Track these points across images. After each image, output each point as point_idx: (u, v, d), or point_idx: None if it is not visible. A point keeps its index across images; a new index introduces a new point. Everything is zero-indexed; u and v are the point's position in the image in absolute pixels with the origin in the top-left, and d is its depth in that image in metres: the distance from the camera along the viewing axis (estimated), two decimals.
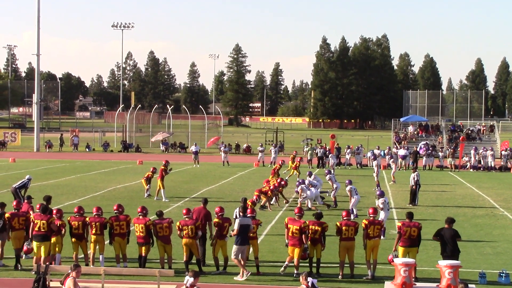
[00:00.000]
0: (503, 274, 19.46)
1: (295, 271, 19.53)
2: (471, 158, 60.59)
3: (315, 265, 20.12)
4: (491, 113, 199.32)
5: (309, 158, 59.76)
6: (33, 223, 20.16)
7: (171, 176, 48.07)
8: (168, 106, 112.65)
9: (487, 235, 26.91)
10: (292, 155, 52.45)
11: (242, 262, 19.62)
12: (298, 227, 19.71)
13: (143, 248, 20.39)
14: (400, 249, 19.54)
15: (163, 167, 36.90)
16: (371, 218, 20.12)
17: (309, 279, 14.27)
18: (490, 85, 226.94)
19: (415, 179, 35.41)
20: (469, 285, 16.34)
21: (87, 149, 79.63)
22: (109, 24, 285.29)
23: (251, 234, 20.22)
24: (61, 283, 15.03)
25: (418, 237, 19.66)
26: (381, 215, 25.40)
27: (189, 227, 20.05)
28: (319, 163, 59.40)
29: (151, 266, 20.16)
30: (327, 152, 59.64)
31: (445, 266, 16.91)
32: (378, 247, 19.97)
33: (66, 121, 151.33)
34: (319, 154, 60.08)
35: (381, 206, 26.17)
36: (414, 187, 35.34)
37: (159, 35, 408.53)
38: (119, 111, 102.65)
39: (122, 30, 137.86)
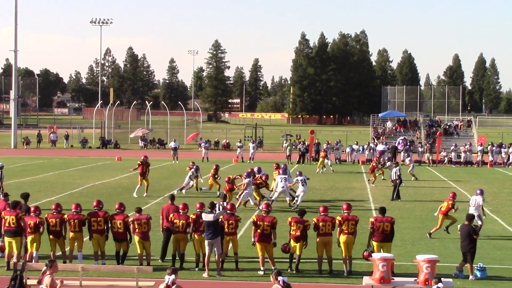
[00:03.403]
0: (479, 268, 19.58)
1: (273, 267, 19.57)
2: (449, 153, 60.93)
3: (295, 261, 20.14)
4: (468, 108, 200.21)
5: (288, 154, 59.81)
6: (3, 219, 20.17)
7: (150, 173, 47.87)
8: (147, 102, 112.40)
9: None
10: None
11: (206, 259, 19.70)
12: (269, 223, 19.75)
13: (122, 244, 20.35)
14: (374, 244, 19.66)
15: (140, 163, 36.72)
16: (346, 214, 20.17)
17: (280, 277, 14.33)
18: (467, 80, 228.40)
19: (397, 173, 35.57)
20: (446, 280, 16.45)
21: (64, 140, 79.21)
22: (87, 20, 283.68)
23: (229, 230, 20.21)
24: (39, 282, 14.94)
25: (391, 232, 19.79)
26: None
27: (180, 221, 20.29)
28: (300, 159, 59.42)
29: (130, 263, 20.13)
30: (307, 148, 59.85)
31: (422, 261, 16.99)
32: (353, 243, 20.02)
33: (44, 118, 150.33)
34: (301, 150, 60.07)
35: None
36: (397, 181, 35.50)
37: (138, 31, 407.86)
38: (98, 107, 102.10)
39: (101, 26, 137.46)
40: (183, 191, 36.52)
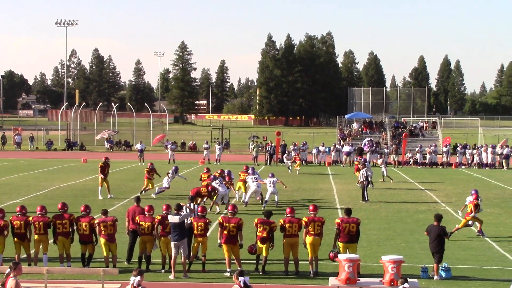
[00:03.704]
0: (444, 269, 19.74)
1: (239, 269, 19.56)
2: (414, 154, 61.36)
3: (261, 262, 20.15)
4: (434, 109, 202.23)
5: (254, 156, 59.86)
6: None
7: (116, 174, 47.82)
8: (113, 104, 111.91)
9: None
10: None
11: (172, 261, 19.70)
12: (235, 224, 19.77)
13: (87, 247, 20.24)
14: (340, 245, 19.75)
15: (102, 164, 36.56)
16: (312, 215, 20.22)
17: (241, 278, 14.35)
18: (433, 82, 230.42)
19: (364, 175, 35.73)
20: (412, 280, 16.57)
21: (30, 142, 78.57)
22: (52, 21, 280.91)
23: (198, 232, 20.18)
24: (2, 284, 14.80)
25: (357, 232, 19.89)
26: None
27: (146, 223, 20.31)
28: (269, 161, 59.50)
29: (95, 265, 20.03)
30: (274, 149, 60.01)
31: (388, 262, 17.10)
32: (319, 244, 20.06)
33: (9, 120, 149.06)
34: (270, 151, 60.17)
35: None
36: (364, 182, 35.69)
37: (103, 32, 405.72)
38: (63, 109, 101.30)
39: (66, 27, 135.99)
40: (153, 195, 36.13)
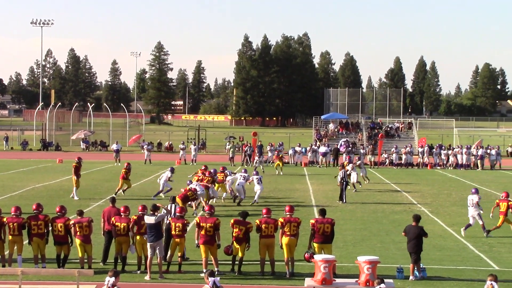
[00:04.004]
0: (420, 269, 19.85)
1: (216, 269, 19.59)
2: (390, 155, 61.63)
3: (237, 262, 20.15)
4: (409, 110, 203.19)
5: (231, 156, 59.88)
6: None
7: (92, 175, 47.62)
8: (89, 104, 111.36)
9: None
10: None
11: (148, 262, 19.64)
12: (211, 224, 19.75)
13: (62, 248, 20.13)
14: (315, 246, 19.79)
15: (76, 164, 36.38)
16: (288, 216, 20.25)
17: (211, 278, 14.35)
18: (408, 83, 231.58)
19: (341, 176, 35.79)
20: (387, 280, 16.63)
21: (4, 142, 78.10)
22: (28, 20, 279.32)
23: (176, 233, 20.13)
24: None
25: (331, 233, 19.93)
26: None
27: (122, 224, 20.21)
28: (248, 161, 59.53)
29: (71, 266, 19.92)
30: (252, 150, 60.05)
31: (364, 262, 17.16)
32: (295, 245, 20.07)
33: None
34: (248, 152, 60.16)
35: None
36: (343, 183, 35.79)
37: (79, 32, 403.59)
38: (39, 109, 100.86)
39: (42, 27, 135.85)
40: (162, 195, 35.55)
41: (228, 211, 31.18)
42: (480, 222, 26.46)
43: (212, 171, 35.13)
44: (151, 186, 41.10)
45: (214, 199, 33.90)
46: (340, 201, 35.17)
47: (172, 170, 36.54)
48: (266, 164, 57.88)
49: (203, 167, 36.26)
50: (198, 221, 19.95)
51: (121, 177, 36.87)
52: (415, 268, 19.74)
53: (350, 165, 41.78)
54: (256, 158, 55.39)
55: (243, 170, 35.41)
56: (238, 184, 33.97)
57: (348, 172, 38.34)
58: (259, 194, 34.36)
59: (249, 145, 61.58)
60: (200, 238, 19.82)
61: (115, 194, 35.00)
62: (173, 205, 23.20)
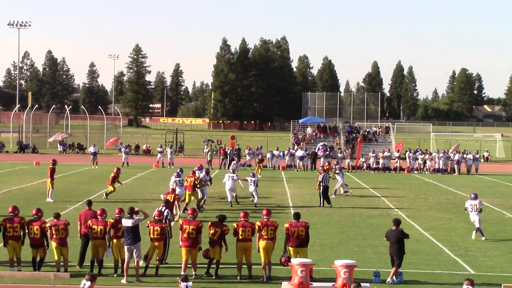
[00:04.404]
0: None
1: (194, 272, 19.57)
2: (368, 159, 61.85)
3: (214, 266, 20.13)
4: (387, 115, 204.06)
5: (209, 159, 59.84)
6: None
7: (69, 177, 47.41)
8: (66, 106, 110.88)
9: (382, 234, 27.22)
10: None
11: (125, 265, 19.59)
12: (194, 227, 19.73)
13: (38, 251, 20.00)
14: (290, 249, 19.81)
15: (51, 166, 36.22)
16: (265, 219, 20.25)
17: (183, 283, 14.32)
18: (386, 87, 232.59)
19: (319, 179, 35.77)
20: (364, 284, 16.69)
21: None
22: (5, 22, 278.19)
23: (154, 236, 20.08)
24: None
25: (306, 237, 19.94)
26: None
27: (99, 227, 20.13)
28: (222, 164, 59.50)
29: (47, 270, 19.80)
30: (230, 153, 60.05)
31: (340, 266, 17.21)
32: (272, 248, 20.07)
33: None
34: (230, 155, 60.13)
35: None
36: (318, 188, 35.85)
37: (57, 34, 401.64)
38: (15, 111, 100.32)
39: (19, 28, 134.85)
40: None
41: (209, 216, 31.16)
42: (477, 226, 26.86)
43: (204, 170, 35.88)
44: (128, 189, 40.99)
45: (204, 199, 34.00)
46: (321, 205, 35.13)
47: (181, 171, 34.94)
48: (244, 168, 57.88)
49: (196, 168, 36.80)
50: (181, 223, 19.97)
51: (109, 182, 36.76)
52: (396, 271, 19.80)
53: (337, 166, 42.18)
54: (234, 161, 55.38)
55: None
56: (231, 185, 35.00)
57: (333, 177, 38.79)
58: (257, 195, 35.41)
59: (231, 148, 61.72)
60: (182, 240, 19.82)
61: (106, 197, 35.80)
62: (166, 208, 22.77)
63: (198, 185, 33.27)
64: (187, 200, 32.34)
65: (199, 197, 33.48)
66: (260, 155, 57.18)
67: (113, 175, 36.93)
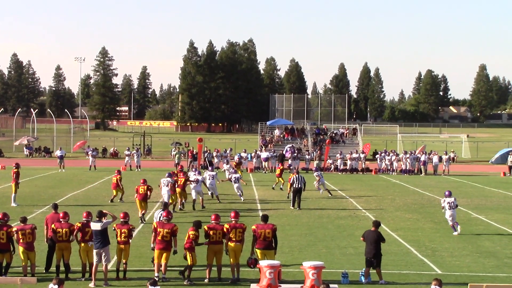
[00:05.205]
0: (364, 274, 20.02)
1: (163, 275, 19.51)
2: (335, 160, 62.05)
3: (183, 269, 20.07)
4: (354, 116, 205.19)
5: (176, 162, 59.66)
6: None
7: (35, 181, 47.04)
8: (32, 110, 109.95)
9: (350, 236, 27.56)
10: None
11: (94, 268, 19.48)
12: (168, 230, 19.68)
13: (5, 255, 19.82)
14: (258, 252, 19.82)
15: (15, 170, 35.94)
16: (233, 222, 20.25)
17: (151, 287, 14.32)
18: (353, 89, 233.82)
19: (290, 181, 35.80)
20: (332, 285, 16.75)
21: None
22: None
23: (121, 239, 19.97)
24: None
25: (273, 238, 19.94)
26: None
27: (63, 230, 19.98)
28: (190, 166, 59.47)
29: (13, 275, 19.61)
30: (196, 156, 59.95)
31: (309, 267, 17.25)
32: (240, 250, 20.10)
33: None
34: (208, 158, 60.18)
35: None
36: (289, 190, 36.08)
37: (22, 37, 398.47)
38: None
39: None
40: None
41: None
42: (450, 223, 27.86)
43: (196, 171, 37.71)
44: (95, 193, 40.77)
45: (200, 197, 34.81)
46: (293, 206, 35.20)
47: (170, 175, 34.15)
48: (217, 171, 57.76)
49: (179, 168, 38.36)
50: (155, 226, 19.94)
51: (113, 187, 36.51)
52: (379, 273, 19.96)
53: (316, 173, 42.27)
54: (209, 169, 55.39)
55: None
56: (211, 184, 36.70)
57: (318, 180, 40.65)
58: (241, 190, 38.45)
59: (208, 151, 61.99)
60: (156, 243, 19.77)
61: (111, 202, 35.99)
62: (161, 211, 22.62)
63: (189, 183, 34.35)
64: (178, 199, 33.60)
65: (193, 198, 34.37)
66: (238, 159, 56.99)
67: (118, 178, 36.50)
